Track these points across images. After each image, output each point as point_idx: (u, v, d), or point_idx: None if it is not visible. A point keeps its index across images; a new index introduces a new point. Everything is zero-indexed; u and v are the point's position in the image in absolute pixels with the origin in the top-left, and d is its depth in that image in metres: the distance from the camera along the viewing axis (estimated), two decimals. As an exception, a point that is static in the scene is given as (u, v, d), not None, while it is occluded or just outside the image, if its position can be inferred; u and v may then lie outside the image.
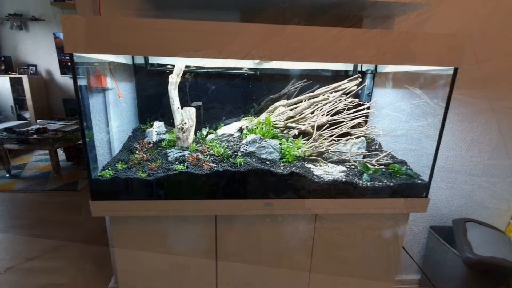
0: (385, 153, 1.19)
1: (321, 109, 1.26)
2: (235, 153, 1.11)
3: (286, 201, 1.01)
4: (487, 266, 1.47)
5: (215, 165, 1.02)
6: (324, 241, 1.11)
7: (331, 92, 1.29)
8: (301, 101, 1.30)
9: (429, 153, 1.09)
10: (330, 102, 1.27)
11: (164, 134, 1.36)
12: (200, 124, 1.43)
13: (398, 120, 1.44)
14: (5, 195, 2.87)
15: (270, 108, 1.32)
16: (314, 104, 1.27)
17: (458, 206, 1.79)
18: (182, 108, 1.28)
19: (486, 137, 1.63)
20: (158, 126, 1.37)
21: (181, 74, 1.23)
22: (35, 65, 4.36)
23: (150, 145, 1.25)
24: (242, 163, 1.03)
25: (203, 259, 1.10)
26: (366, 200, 1.03)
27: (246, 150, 1.10)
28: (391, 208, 1.06)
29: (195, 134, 1.34)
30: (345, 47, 0.87)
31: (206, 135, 1.34)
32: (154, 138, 1.31)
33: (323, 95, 1.28)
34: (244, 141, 1.14)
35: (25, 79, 4.13)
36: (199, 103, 1.46)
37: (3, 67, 4.17)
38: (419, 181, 1.06)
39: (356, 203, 1.03)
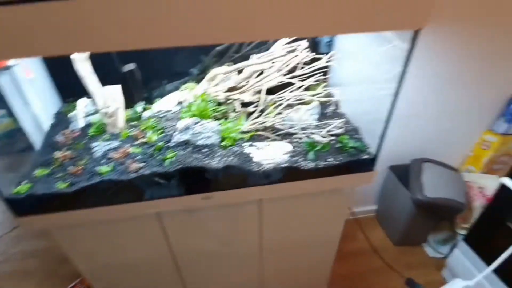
0: (336, 122, 1.08)
1: (266, 75, 1.07)
2: (167, 144, 0.99)
3: (224, 193, 0.96)
4: (435, 206, 1.59)
5: (142, 164, 0.92)
6: (270, 220, 1.13)
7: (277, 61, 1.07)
8: (242, 70, 1.09)
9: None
10: (276, 65, 1.07)
11: (94, 114, 1.19)
12: (139, 93, 1.23)
13: (361, 73, 1.26)
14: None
15: (209, 76, 1.12)
16: (257, 72, 1.07)
17: (418, 146, 1.81)
18: (103, 87, 1.07)
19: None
20: (85, 106, 1.18)
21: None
22: None
23: (76, 134, 1.10)
24: (173, 159, 0.93)
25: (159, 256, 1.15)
26: (311, 181, 0.99)
27: (180, 139, 0.98)
28: (336, 185, 1.04)
29: (131, 108, 1.18)
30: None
31: (141, 113, 1.18)
32: (81, 123, 1.15)
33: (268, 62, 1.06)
34: (177, 127, 1.00)
35: None
36: (132, 65, 1.22)
37: None
38: (367, 156, 1.00)
39: (300, 185, 0.99)
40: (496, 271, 1.31)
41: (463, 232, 1.74)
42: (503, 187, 1.32)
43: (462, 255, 1.55)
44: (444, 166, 1.75)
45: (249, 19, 0.62)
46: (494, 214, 1.41)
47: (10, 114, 1.10)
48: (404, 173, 1.75)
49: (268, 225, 1.16)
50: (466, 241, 1.54)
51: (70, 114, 1.15)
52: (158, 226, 1.05)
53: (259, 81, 1.05)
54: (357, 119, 1.16)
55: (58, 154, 1.00)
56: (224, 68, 1.09)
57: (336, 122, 1.08)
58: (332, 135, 1.08)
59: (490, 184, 1.68)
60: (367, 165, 1.01)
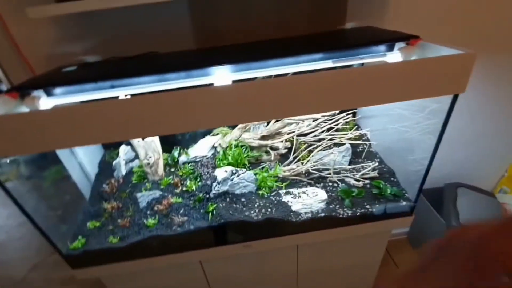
0: (370, 166, 1.09)
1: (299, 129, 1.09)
2: (207, 195, 1.03)
3: (264, 241, 0.99)
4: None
5: (185, 218, 0.97)
6: (307, 263, 1.15)
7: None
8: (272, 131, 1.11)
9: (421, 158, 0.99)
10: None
11: (133, 161, 1.26)
12: (174, 136, 1.29)
13: (392, 111, 1.26)
14: None
15: (241, 124, 1.15)
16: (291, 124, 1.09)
17: (450, 169, 1.76)
18: (143, 139, 1.13)
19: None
20: (125, 153, 1.25)
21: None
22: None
23: (121, 182, 1.17)
24: (214, 212, 0.97)
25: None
26: (347, 227, 1.00)
27: (219, 190, 1.02)
28: (372, 230, 1.04)
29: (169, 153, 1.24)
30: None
31: (178, 158, 1.23)
32: (124, 171, 1.22)
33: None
34: (216, 179, 1.04)
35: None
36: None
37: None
38: (404, 202, 1.00)
39: (336, 231, 1.00)
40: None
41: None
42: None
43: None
44: (479, 191, 1.69)
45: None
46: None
47: (60, 164, 1.19)
48: (436, 197, 1.71)
49: (304, 265, 1.17)
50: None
51: (114, 162, 1.23)
52: (201, 272, 1.09)
53: (292, 131, 1.07)
54: (390, 159, 1.15)
55: (106, 205, 1.07)
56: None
57: (371, 165, 1.09)
58: (366, 178, 1.08)
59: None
60: (405, 209, 1.00)
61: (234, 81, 0.80)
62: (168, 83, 0.86)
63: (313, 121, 1.12)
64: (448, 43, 0.73)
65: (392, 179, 1.08)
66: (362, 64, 0.90)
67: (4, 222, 2.47)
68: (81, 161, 1.22)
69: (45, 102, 0.81)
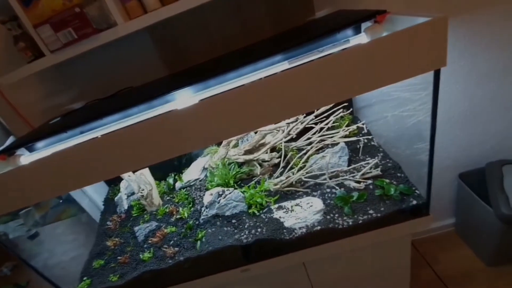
0: (371, 163, 0.95)
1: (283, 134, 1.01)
2: (197, 222, 1.00)
3: (262, 263, 0.92)
4: (528, 222, 1.27)
5: (177, 249, 0.94)
6: (321, 279, 1.04)
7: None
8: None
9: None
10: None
11: (133, 194, 1.29)
12: (168, 162, 1.30)
13: (389, 95, 1.11)
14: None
15: (225, 142, 1.11)
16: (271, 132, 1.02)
17: (490, 146, 1.48)
18: (134, 173, 1.15)
19: None
20: (125, 187, 1.29)
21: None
22: None
23: (122, 217, 1.21)
24: (203, 239, 0.93)
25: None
26: (354, 237, 0.88)
27: (207, 215, 0.98)
28: (385, 237, 0.90)
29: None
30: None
31: (174, 185, 1.23)
32: (126, 205, 1.25)
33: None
34: (204, 203, 1.01)
35: None
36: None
37: None
38: (415, 200, 0.85)
39: (342, 243, 0.89)
40: None
41: None
42: None
43: None
44: (532, 167, 1.40)
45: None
46: None
47: (74, 203, 1.27)
48: (479, 181, 1.45)
49: (319, 281, 1.06)
50: None
51: (116, 198, 1.27)
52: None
53: (277, 140, 1.00)
54: (395, 151, 1.00)
55: (109, 242, 1.10)
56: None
57: (371, 162, 0.95)
58: (368, 178, 0.95)
59: None
60: (419, 210, 0.85)
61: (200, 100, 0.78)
62: (135, 117, 0.86)
63: (296, 125, 1.02)
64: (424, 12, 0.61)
65: (398, 174, 0.93)
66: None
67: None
68: (91, 198, 1.29)
69: (26, 159, 0.86)
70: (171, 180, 1.24)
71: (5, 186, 0.71)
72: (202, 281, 0.93)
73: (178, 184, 1.22)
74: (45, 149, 0.88)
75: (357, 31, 0.77)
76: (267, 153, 1.03)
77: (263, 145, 1.04)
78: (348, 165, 1.02)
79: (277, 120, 0.74)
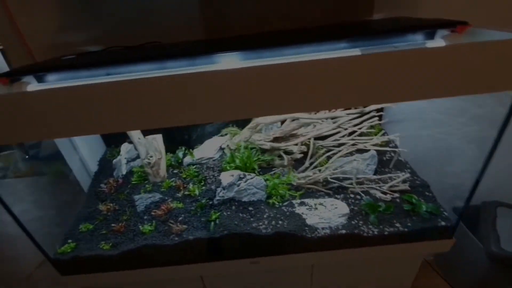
0: (401, 177, 0.93)
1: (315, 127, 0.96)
2: (210, 202, 0.92)
3: (275, 258, 0.86)
4: (515, 263, 1.32)
5: (185, 226, 0.85)
6: (321, 284, 0.99)
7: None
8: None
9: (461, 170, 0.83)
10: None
11: (135, 160, 1.17)
12: (179, 135, 1.19)
13: (425, 113, 1.10)
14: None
15: (251, 124, 1.04)
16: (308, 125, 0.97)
17: (485, 185, 1.54)
18: (144, 137, 1.05)
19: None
20: (127, 151, 1.17)
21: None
22: None
23: (120, 182, 1.08)
24: (217, 221, 0.85)
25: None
26: (372, 248, 0.85)
27: (224, 197, 0.91)
28: (402, 253, 0.88)
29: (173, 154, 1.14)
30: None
31: (182, 159, 1.13)
32: (124, 170, 1.13)
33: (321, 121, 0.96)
34: (221, 184, 0.93)
35: None
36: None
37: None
38: (443, 222, 0.83)
39: (359, 252, 0.86)
40: None
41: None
42: None
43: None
44: (525, 212, 1.47)
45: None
46: None
47: (61, 160, 1.12)
48: (472, 217, 1.50)
49: (319, 285, 1.02)
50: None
51: (114, 160, 1.14)
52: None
53: (308, 133, 0.95)
54: (424, 170, 0.99)
55: (102, 206, 0.98)
56: (270, 118, 1.01)
57: (400, 176, 0.93)
58: (395, 191, 0.93)
59: None
60: (444, 232, 0.84)
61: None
62: (168, 71, 0.76)
63: (334, 122, 0.98)
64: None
65: (426, 193, 0.92)
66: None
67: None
68: (83, 157, 1.15)
69: (34, 88, 0.73)
70: (180, 154, 1.14)
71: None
72: (210, 265, 0.85)
73: (187, 160, 1.13)
74: (58, 83, 0.75)
75: (430, 37, 0.74)
76: (297, 145, 0.97)
77: (294, 136, 0.98)
78: (374, 174, 0.99)
79: (328, 107, 0.68)
